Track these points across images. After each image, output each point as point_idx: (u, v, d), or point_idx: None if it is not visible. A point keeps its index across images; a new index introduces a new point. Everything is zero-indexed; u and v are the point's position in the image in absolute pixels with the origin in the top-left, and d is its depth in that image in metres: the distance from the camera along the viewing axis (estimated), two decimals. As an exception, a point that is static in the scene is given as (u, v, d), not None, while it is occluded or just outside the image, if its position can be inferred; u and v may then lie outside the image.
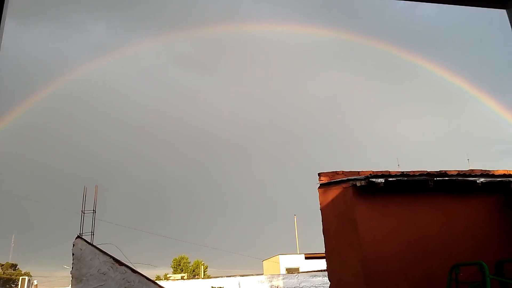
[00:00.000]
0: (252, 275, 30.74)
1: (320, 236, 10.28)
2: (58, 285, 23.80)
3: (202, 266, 59.28)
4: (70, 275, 6.63)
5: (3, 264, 60.72)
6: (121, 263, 6.53)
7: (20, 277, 40.31)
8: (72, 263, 6.45)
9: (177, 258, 64.17)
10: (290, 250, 46.75)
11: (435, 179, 8.27)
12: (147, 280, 6.59)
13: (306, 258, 25.75)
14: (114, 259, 6.48)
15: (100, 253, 6.46)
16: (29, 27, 73.30)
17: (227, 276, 30.32)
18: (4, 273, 57.02)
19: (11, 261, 61.07)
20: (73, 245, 6.46)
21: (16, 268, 61.65)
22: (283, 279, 27.06)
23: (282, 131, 76.76)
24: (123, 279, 6.47)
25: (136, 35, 73.89)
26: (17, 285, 40.21)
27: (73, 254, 6.49)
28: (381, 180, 8.20)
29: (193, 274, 59.70)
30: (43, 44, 73.54)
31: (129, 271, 6.46)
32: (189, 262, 64.89)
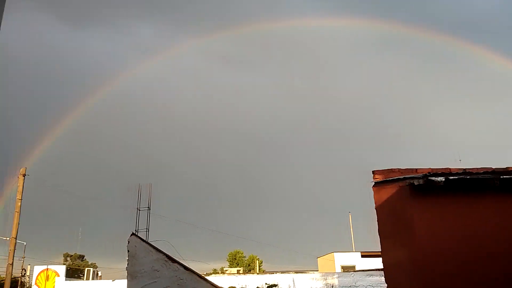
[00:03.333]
0: (306, 272, 30.52)
1: (376, 234, 9.94)
2: (120, 277, 24.92)
3: (257, 261, 59.79)
4: (126, 271, 6.83)
5: (72, 255, 64.74)
6: (173, 260, 6.63)
7: (86, 269, 42.78)
8: (127, 259, 6.64)
9: (232, 252, 65.24)
10: (345, 248, 45.90)
11: (501, 177, 7.67)
12: (198, 278, 6.63)
13: (362, 256, 25.07)
14: (167, 256, 6.59)
15: (154, 250, 6.59)
16: (84, 32, 77.21)
17: (281, 272, 30.32)
18: (72, 263, 60.71)
19: (78, 253, 64.98)
20: (128, 242, 6.65)
21: (84, 259, 65.53)
22: (338, 277, 26.59)
23: (332, 127, 75.35)
24: (175, 276, 6.55)
25: (180, 36, 75.54)
26: (83, 275, 42.65)
27: (128, 251, 6.67)
28: (441, 178, 7.72)
29: (248, 268, 60.41)
30: (96, 48, 77.10)
31: (182, 269, 6.54)
32: (244, 257, 65.75)
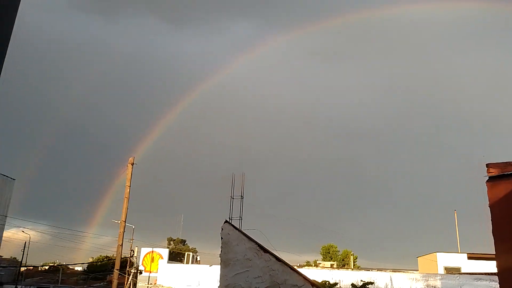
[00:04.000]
0: (405, 271, 28.89)
1: (485, 234, 8.89)
2: (217, 263, 25.84)
3: (352, 256, 58.35)
4: (219, 257, 6.85)
5: (175, 240, 69.24)
6: (265, 250, 6.47)
7: (186, 253, 45.33)
8: (221, 246, 6.65)
9: (325, 246, 64.47)
10: (449, 248, 42.68)
11: None
12: (290, 270, 6.40)
13: (469, 258, 23.11)
14: (259, 245, 6.45)
15: (246, 238, 6.49)
16: (182, 32, 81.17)
17: (377, 270, 29.08)
18: (175, 247, 64.90)
19: (181, 238, 69.31)
20: (222, 229, 6.65)
21: (185, 243, 69.74)
22: (441, 279, 24.72)
23: (435, 118, 70.00)
24: (267, 266, 6.38)
25: (271, 32, 75.79)
26: (184, 259, 45.28)
27: (221, 238, 6.68)
28: None
29: (343, 263, 59.25)
30: (192, 46, 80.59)
31: (273, 259, 6.36)
32: (338, 251, 64.59)
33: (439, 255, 33.31)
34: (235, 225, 7.24)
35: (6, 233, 41.91)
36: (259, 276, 6.87)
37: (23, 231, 48.77)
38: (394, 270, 27.86)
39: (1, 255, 50.59)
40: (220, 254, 6.91)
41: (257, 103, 76.82)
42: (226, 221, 7.00)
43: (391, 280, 25.42)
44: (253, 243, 6.89)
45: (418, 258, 37.48)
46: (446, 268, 31.71)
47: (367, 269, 30.37)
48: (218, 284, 6.45)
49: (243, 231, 7.16)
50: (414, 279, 25.24)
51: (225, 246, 6.83)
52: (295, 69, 79.24)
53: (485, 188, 9.04)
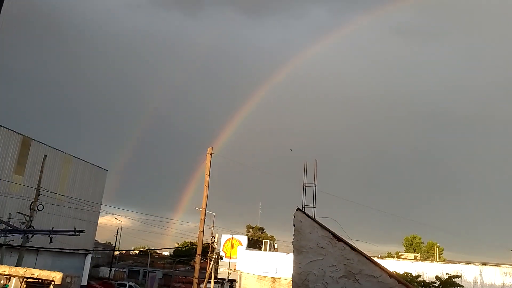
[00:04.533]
0: (497, 265, 26.78)
1: None
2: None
3: (437, 248, 55.42)
4: (292, 245, 6.85)
5: (253, 227, 70.79)
6: (340, 239, 6.34)
7: (264, 240, 46.11)
8: (294, 234, 6.63)
9: (409, 237, 61.86)
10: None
11: None
12: (366, 260, 6.22)
13: None
14: (332, 234, 6.33)
15: (319, 226, 6.41)
16: (261, 20, 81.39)
17: (465, 263, 27.30)
18: (254, 234, 66.34)
19: (259, 225, 70.67)
20: (294, 216, 6.62)
21: (263, 231, 70.98)
22: (540, 275, 22.59)
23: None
24: (342, 255, 6.26)
25: (353, 13, 73.16)
26: (262, 246, 46.09)
27: (294, 226, 6.66)
28: None
29: (427, 255, 56.52)
30: (271, 35, 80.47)
31: (348, 248, 6.21)
32: (422, 243, 61.67)
33: (538, 249, 30.45)
34: (308, 213, 7.16)
35: (101, 220, 45.80)
36: (333, 265, 6.73)
37: (116, 218, 52.93)
38: (485, 264, 25.94)
39: (97, 239, 55.37)
40: (293, 242, 6.89)
41: (337, 89, 75.34)
42: (298, 209, 6.94)
43: (480, 274, 23.75)
44: (326, 231, 6.76)
45: (513, 252, 34.62)
46: (546, 263, 28.89)
47: (454, 262, 28.62)
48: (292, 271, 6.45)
49: (315, 219, 7.06)
50: (508, 273, 23.34)
51: (298, 233, 6.78)
52: (376, 51, 76.34)
53: None
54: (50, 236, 19.38)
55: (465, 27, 70.61)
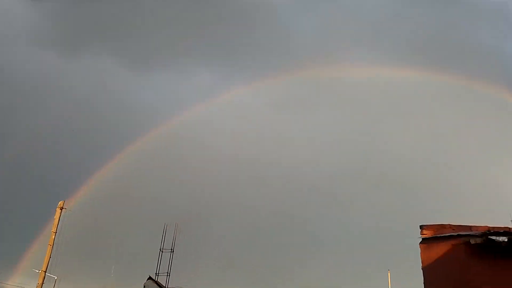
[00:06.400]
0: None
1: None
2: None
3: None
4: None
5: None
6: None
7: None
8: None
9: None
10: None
11: None
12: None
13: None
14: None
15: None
16: (147, 75, 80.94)
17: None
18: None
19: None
20: (144, 286, 6.02)
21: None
22: None
23: (374, 178, 72.98)
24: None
25: (235, 81, 77.75)
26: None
27: (144, 296, 6.02)
28: (504, 238, 6.70)
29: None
30: (157, 91, 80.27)
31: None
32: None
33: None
34: (160, 282, 6.64)
35: None
36: None
37: None
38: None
39: None
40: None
41: (213, 150, 76.38)
42: (149, 277, 6.39)
43: None
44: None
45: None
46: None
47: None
48: None
49: (168, 288, 6.55)
50: None
51: (147, 305, 6.18)
52: (254, 121, 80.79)
53: (419, 249, 9.08)
54: None
55: (329, 108, 79.74)
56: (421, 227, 9.14)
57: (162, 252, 13.39)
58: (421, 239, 8.84)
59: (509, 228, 8.02)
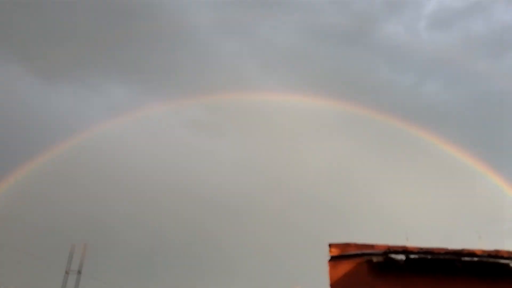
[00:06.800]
0: None
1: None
2: None
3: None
4: None
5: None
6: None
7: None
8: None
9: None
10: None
11: (462, 259, 7.39)
12: None
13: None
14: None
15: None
16: (55, 87, 75.43)
17: None
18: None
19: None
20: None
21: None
22: None
23: (283, 198, 75.77)
24: None
25: (150, 99, 76.02)
26: None
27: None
28: (402, 257, 7.33)
29: None
30: (66, 103, 75.26)
31: None
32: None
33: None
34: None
35: None
36: None
37: None
38: None
39: None
40: None
41: (120, 169, 72.80)
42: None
43: None
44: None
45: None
46: None
47: None
48: None
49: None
50: None
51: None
52: (166, 139, 78.90)
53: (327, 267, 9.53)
54: None
55: (241, 131, 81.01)
56: (330, 245, 9.59)
57: (68, 273, 12.42)
58: (329, 257, 9.27)
59: (407, 247, 8.79)
